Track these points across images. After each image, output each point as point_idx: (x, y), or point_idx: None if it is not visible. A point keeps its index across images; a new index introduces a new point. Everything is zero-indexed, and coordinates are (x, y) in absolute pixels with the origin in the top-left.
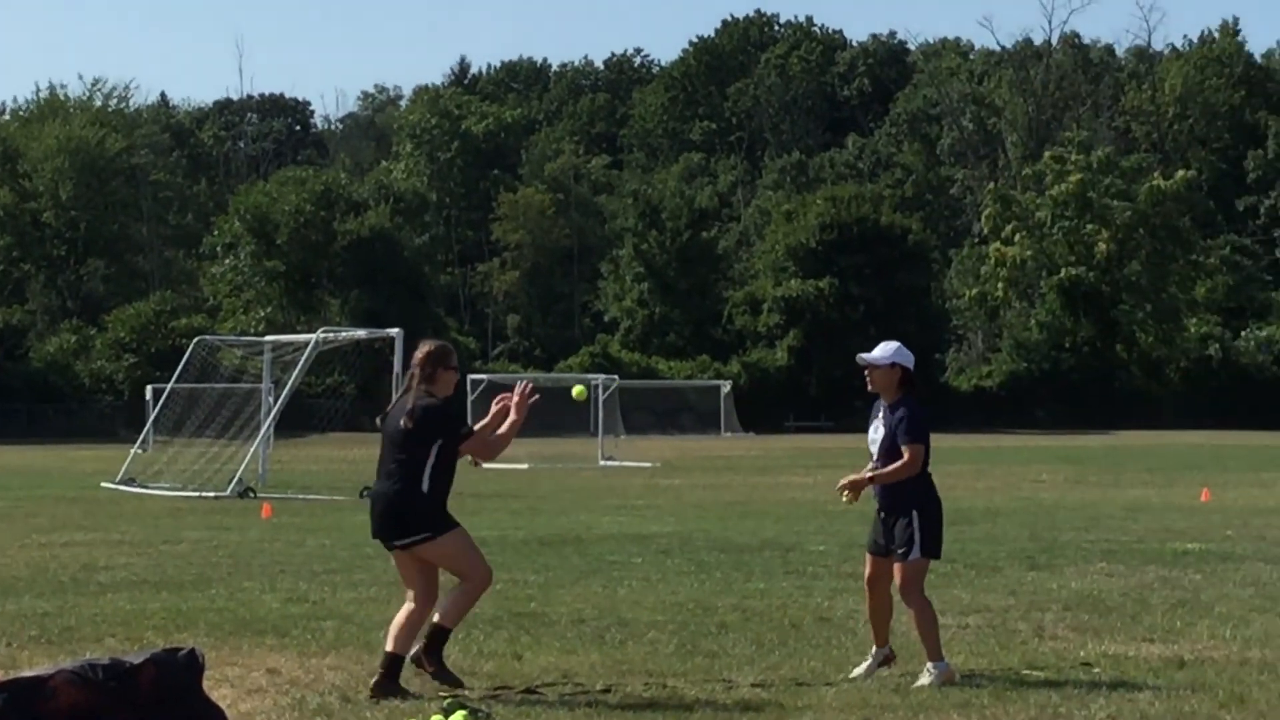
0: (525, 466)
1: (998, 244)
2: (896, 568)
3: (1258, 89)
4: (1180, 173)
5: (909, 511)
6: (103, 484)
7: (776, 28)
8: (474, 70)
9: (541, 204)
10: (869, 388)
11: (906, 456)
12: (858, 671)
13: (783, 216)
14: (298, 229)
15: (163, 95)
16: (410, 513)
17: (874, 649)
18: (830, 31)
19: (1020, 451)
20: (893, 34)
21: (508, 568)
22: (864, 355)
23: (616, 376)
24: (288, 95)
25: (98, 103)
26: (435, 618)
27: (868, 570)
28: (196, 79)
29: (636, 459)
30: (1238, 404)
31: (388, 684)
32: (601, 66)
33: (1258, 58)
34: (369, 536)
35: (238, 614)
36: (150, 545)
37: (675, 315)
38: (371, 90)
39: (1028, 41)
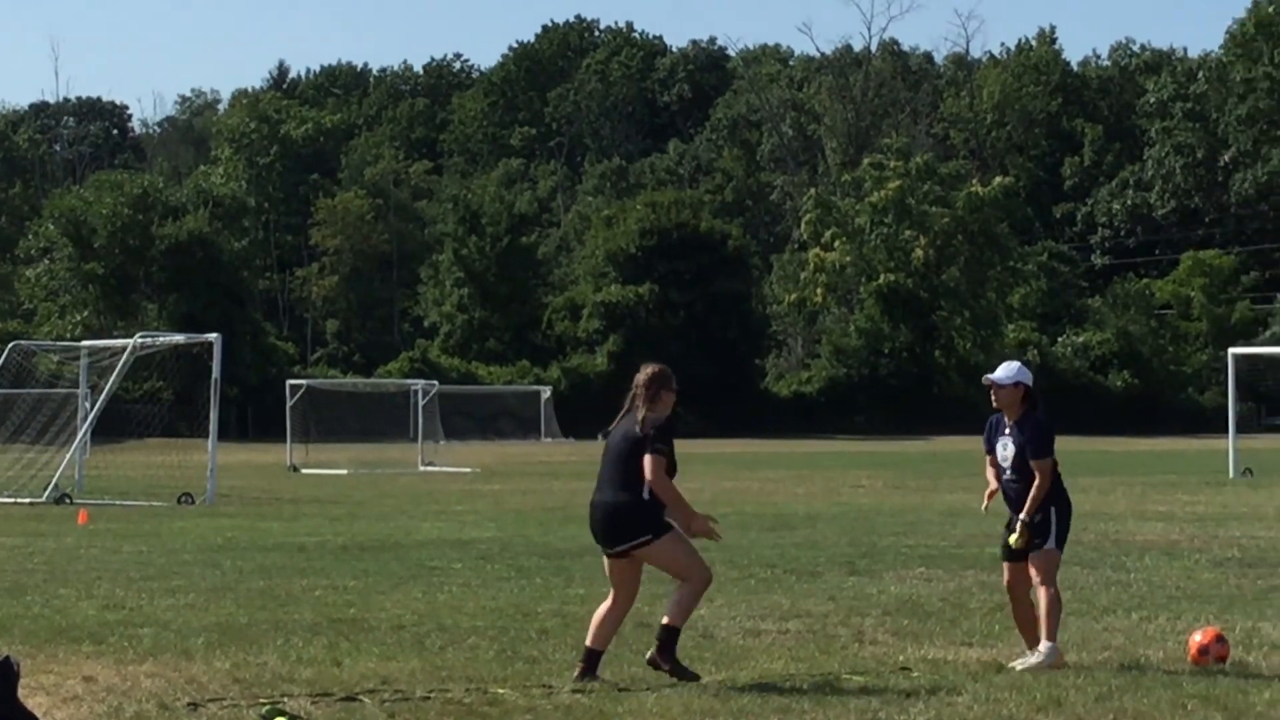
0: (345, 472)
1: (817, 250)
2: (1031, 559)
3: (1074, 97)
4: (998, 179)
5: (1046, 509)
6: None
7: (597, 33)
8: (293, 74)
9: (361, 209)
10: (994, 405)
11: (1039, 473)
12: (1015, 665)
13: (603, 222)
14: (115, 233)
15: None
16: (631, 519)
17: (1029, 652)
18: (650, 37)
19: (840, 457)
20: (713, 40)
21: (326, 573)
22: (989, 376)
23: (436, 382)
24: (105, 98)
25: None
26: (664, 619)
27: (1006, 577)
28: (11, 81)
29: (456, 464)
30: (1055, 410)
31: (588, 675)
32: (421, 71)
33: (1074, 66)
34: (186, 543)
35: (53, 621)
36: None
37: (495, 321)
38: (189, 94)
39: (847, 48)
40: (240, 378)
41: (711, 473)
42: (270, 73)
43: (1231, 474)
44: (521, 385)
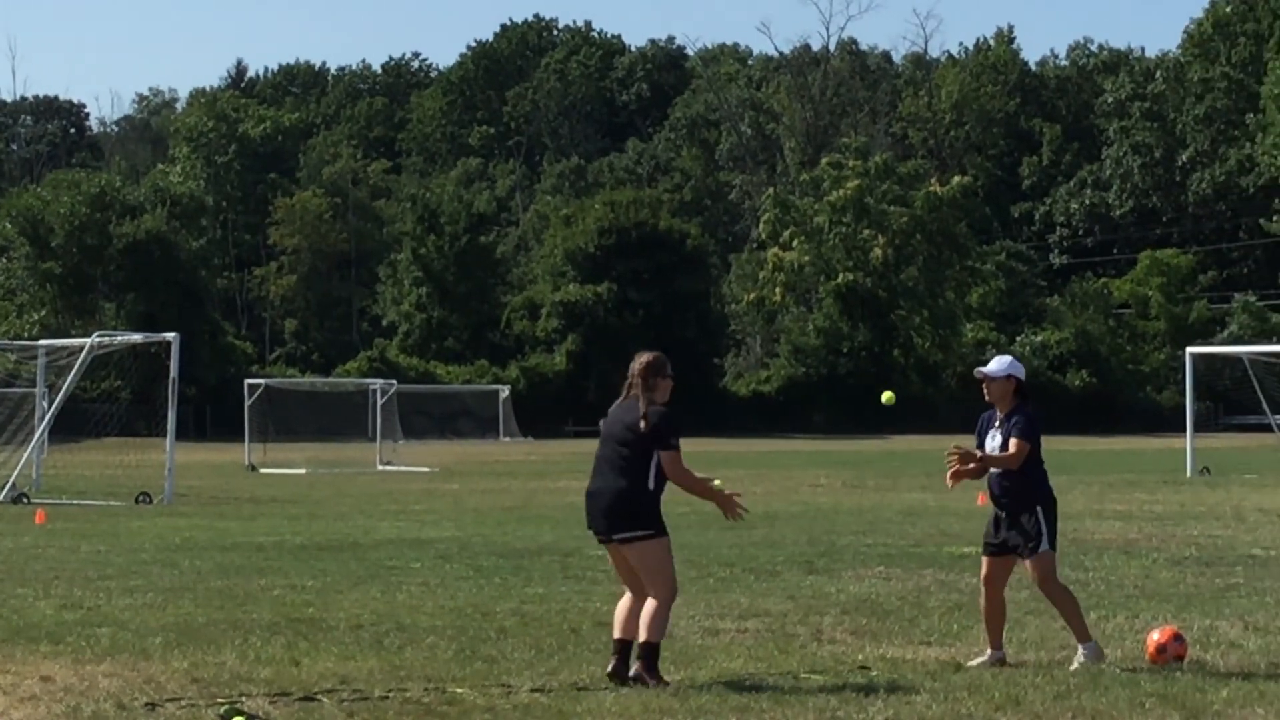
0: (303, 471)
1: (776, 249)
2: (1029, 564)
3: (1032, 96)
4: (956, 179)
5: (1033, 508)
6: None
7: (555, 32)
8: (251, 73)
9: (319, 208)
10: (986, 398)
11: (1015, 449)
12: (973, 664)
13: (561, 221)
14: (72, 232)
15: None
16: (637, 509)
17: (989, 651)
18: (609, 36)
19: (798, 456)
20: (671, 39)
21: (285, 573)
22: (981, 369)
23: (395, 381)
24: (62, 97)
25: None
26: (642, 637)
27: (984, 570)
28: None
29: (415, 464)
30: None
31: (621, 668)
32: (379, 70)
33: (1032, 66)
34: (144, 543)
35: (11, 621)
36: None
37: (454, 320)
38: (147, 93)
39: (806, 48)
40: (198, 377)
41: None
42: (228, 71)
43: (1189, 473)
44: (480, 384)
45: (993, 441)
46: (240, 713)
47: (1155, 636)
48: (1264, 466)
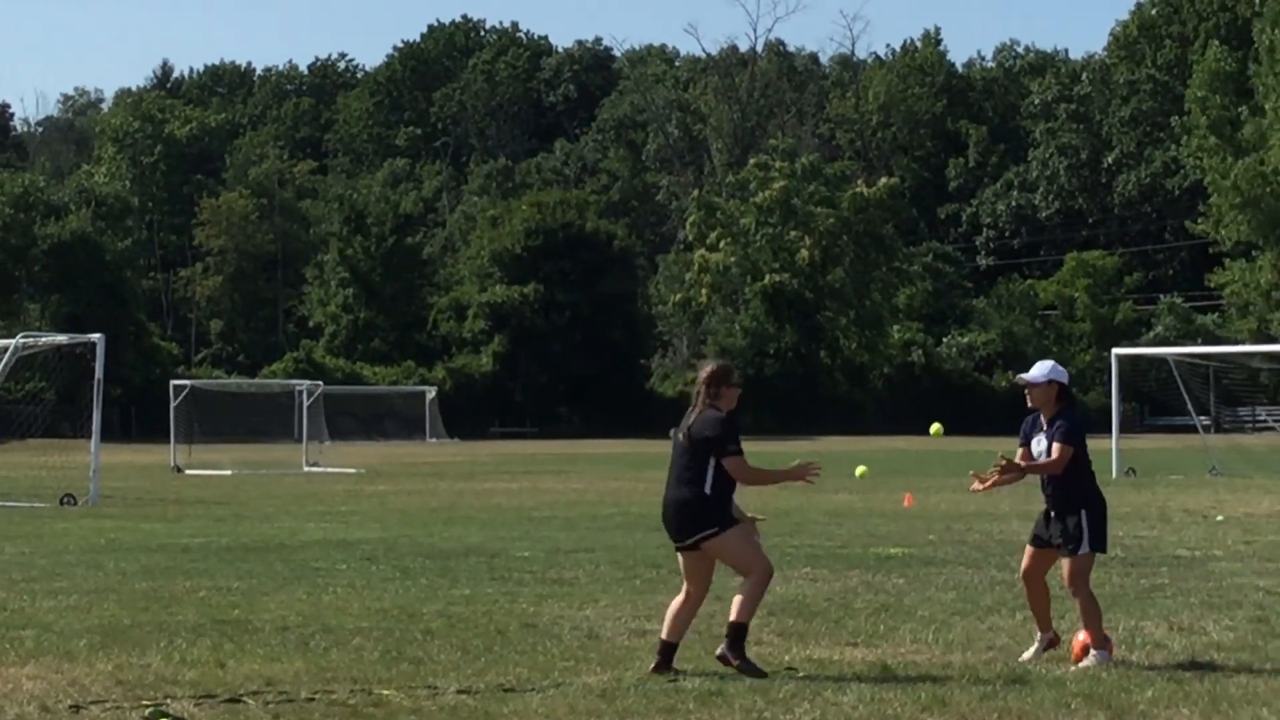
0: (229, 473)
1: (702, 250)
2: (1065, 562)
3: (959, 98)
4: (883, 180)
5: (1078, 510)
6: None
7: (483, 33)
8: (177, 73)
9: (245, 209)
10: (1028, 404)
11: (1058, 454)
12: (1026, 655)
13: (488, 222)
14: None
15: None
16: (698, 513)
17: (1038, 635)
18: (536, 37)
19: None
20: (598, 40)
21: (210, 574)
22: (1023, 375)
23: (321, 382)
24: None
25: None
26: (732, 615)
27: (1025, 563)
28: None
29: (341, 465)
30: (940, 410)
31: (664, 669)
32: (306, 71)
33: (959, 67)
34: (69, 544)
35: None
36: None
37: (380, 321)
38: (72, 93)
39: (733, 49)
40: (124, 378)
41: (596, 473)
42: (154, 72)
43: (1115, 474)
44: (406, 385)
45: (1039, 446)
46: (165, 715)
47: (1081, 637)
48: (1189, 467)
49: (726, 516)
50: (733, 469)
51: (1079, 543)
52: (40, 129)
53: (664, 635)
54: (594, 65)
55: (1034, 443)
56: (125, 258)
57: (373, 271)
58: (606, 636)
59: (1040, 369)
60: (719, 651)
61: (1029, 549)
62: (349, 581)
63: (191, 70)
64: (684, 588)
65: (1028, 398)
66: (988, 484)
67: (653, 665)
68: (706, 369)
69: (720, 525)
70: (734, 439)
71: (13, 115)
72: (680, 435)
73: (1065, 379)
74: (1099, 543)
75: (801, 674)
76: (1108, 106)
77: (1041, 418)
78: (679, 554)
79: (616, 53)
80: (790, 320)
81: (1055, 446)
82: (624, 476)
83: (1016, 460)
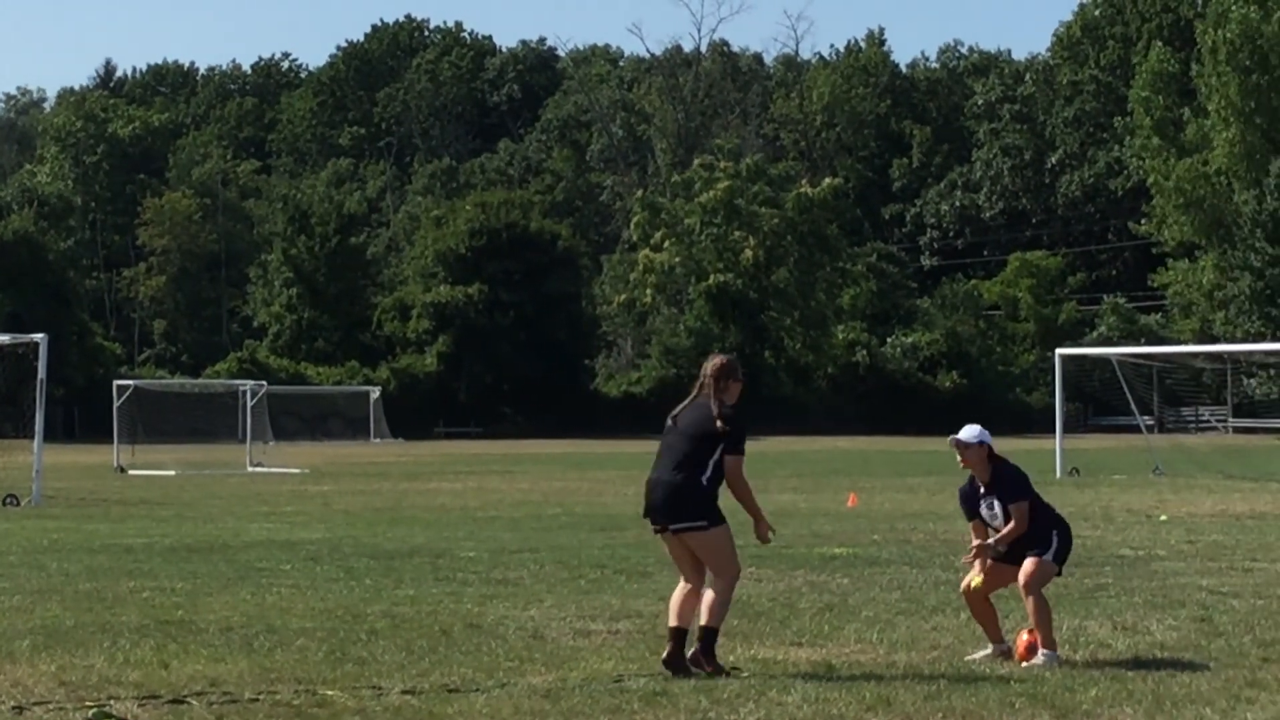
0: (172, 473)
1: (647, 250)
2: (1027, 561)
3: (903, 98)
4: (827, 180)
5: (1048, 532)
6: None
7: (426, 33)
8: (120, 73)
9: (188, 209)
10: (961, 466)
11: (1017, 517)
12: (975, 656)
13: (432, 222)
14: None
15: None
16: (692, 502)
17: (991, 645)
18: (480, 37)
19: None
20: (542, 40)
21: (154, 575)
22: (957, 437)
23: (265, 382)
24: None
25: None
26: (702, 620)
27: (974, 580)
28: None
29: (285, 465)
30: (884, 410)
31: (678, 655)
32: (249, 71)
33: (903, 68)
34: (12, 545)
35: None
36: None
37: (324, 321)
38: (14, 92)
39: (677, 49)
40: (67, 378)
41: (540, 473)
42: (97, 71)
43: (1058, 474)
44: (350, 385)
45: (991, 511)
46: (109, 716)
47: (1025, 637)
48: (1132, 467)
49: (716, 512)
50: (732, 468)
51: (1046, 548)
52: None
53: (672, 622)
54: (538, 65)
55: (983, 509)
56: (68, 257)
57: (317, 271)
58: (551, 637)
59: (970, 431)
60: (689, 654)
61: (977, 565)
62: (293, 582)
63: (135, 70)
64: (681, 579)
65: (959, 460)
66: (978, 568)
67: (665, 654)
68: (716, 361)
69: (709, 521)
70: (744, 440)
71: None
72: (700, 422)
73: (990, 441)
74: (1061, 559)
75: (746, 674)
76: (1051, 107)
77: (978, 482)
78: (665, 543)
79: (560, 53)
80: (735, 320)
81: (1012, 508)
82: (569, 477)
83: (980, 542)
